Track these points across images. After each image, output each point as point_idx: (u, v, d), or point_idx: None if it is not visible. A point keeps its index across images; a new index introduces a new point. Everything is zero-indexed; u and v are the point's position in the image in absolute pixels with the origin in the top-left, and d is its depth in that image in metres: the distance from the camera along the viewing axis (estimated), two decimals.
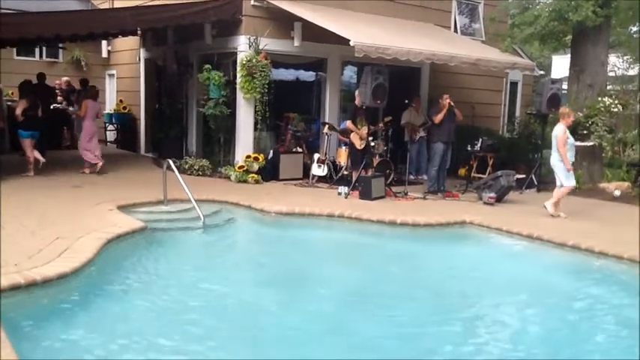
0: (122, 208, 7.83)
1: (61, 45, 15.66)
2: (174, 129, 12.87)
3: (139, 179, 10.40)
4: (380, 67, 10.07)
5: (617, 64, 19.02)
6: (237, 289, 5.91)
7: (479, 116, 12.35)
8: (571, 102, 11.95)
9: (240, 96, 11.01)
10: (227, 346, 4.61)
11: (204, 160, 11.44)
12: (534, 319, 5.62)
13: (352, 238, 7.86)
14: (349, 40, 9.37)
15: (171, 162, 8.15)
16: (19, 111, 10.34)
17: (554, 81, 11.59)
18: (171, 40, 12.37)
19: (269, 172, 10.99)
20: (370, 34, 10.32)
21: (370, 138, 10.50)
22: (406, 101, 11.74)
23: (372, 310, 5.48)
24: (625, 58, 19.18)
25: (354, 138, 10.46)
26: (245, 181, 10.58)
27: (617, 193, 10.52)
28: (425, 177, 11.59)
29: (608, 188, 10.62)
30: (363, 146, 10.40)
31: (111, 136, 16.50)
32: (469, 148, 11.96)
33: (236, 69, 11.05)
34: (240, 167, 10.78)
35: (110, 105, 16.86)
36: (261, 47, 10.76)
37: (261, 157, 10.95)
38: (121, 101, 15.96)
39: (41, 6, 11.31)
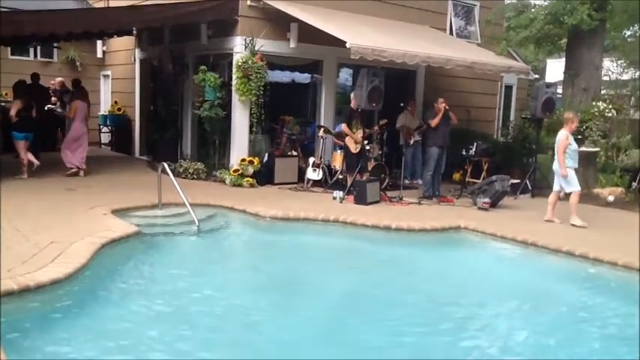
0: (116, 212, 7.80)
1: (55, 44, 15.57)
2: (169, 131, 12.82)
3: (133, 183, 10.36)
4: (376, 69, 10.06)
5: (610, 68, 19.11)
6: (232, 295, 5.90)
7: (474, 120, 12.37)
8: (566, 106, 12.00)
9: (235, 98, 10.98)
10: (222, 350, 4.60)
11: (199, 163, 11.39)
12: (528, 325, 5.61)
13: (347, 243, 7.85)
14: (345, 42, 9.36)
15: (165, 165, 8.13)
16: (13, 112, 10.28)
17: (548, 85, 11.61)
18: (166, 40, 12.32)
19: (264, 176, 10.96)
20: (366, 36, 10.32)
21: (365, 141, 10.49)
22: (402, 104, 11.75)
23: (367, 316, 5.48)
24: (619, 62, 19.27)
25: (349, 142, 10.45)
26: (240, 185, 10.55)
27: (611, 198, 10.55)
28: (420, 181, 11.59)
29: (602, 194, 10.65)
30: (357, 150, 10.39)
31: (105, 138, 16.43)
32: (464, 153, 11.98)
33: (232, 70, 11.01)
34: (235, 171, 10.75)
35: (105, 106, 16.79)
36: (257, 48, 10.73)
37: (256, 160, 10.92)
38: (115, 102, 15.89)
39: (37, 4, 11.22)
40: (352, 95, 10.49)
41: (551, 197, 8.99)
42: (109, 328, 4.79)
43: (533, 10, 13.53)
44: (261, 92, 10.68)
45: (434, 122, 10.41)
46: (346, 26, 10.75)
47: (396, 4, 12.83)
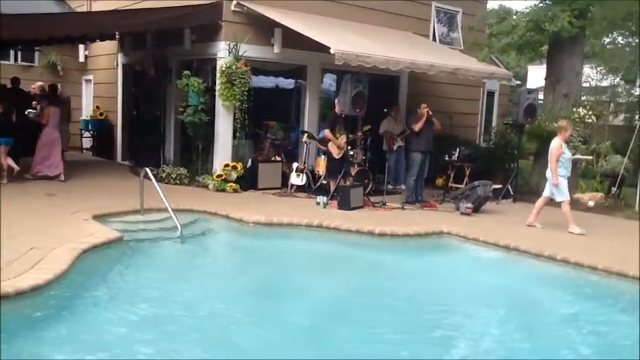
0: (98, 217, 7.73)
1: (37, 48, 15.43)
2: (151, 136, 12.74)
3: (115, 188, 10.26)
4: (359, 75, 10.11)
5: (590, 74, 19.37)
6: (214, 300, 5.85)
7: (456, 126, 12.46)
8: (547, 112, 12.13)
9: (219, 103, 10.95)
10: (202, 356, 4.57)
11: (181, 168, 11.32)
12: (509, 329, 5.64)
13: (331, 248, 7.85)
14: (329, 48, 9.39)
15: (148, 170, 8.07)
16: None
17: (530, 91, 11.75)
18: (149, 45, 12.27)
19: (247, 181, 10.93)
20: (350, 42, 10.35)
21: (349, 147, 10.51)
22: (385, 110, 11.80)
23: (350, 321, 5.48)
24: (599, 69, 19.55)
25: (332, 147, 10.46)
26: (223, 190, 10.51)
27: (591, 203, 10.67)
28: (403, 187, 11.64)
29: (582, 199, 10.76)
30: (340, 155, 10.41)
31: (87, 143, 16.28)
32: (447, 158, 12.06)
33: (215, 75, 10.98)
34: (218, 176, 10.71)
35: (86, 111, 16.65)
36: (240, 54, 10.72)
37: (239, 165, 10.89)
38: (97, 107, 15.76)
39: (17, 7, 11.10)
40: (336, 101, 10.52)
41: (539, 202, 9.04)
42: (90, 335, 4.73)
43: (514, 17, 13.73)
44: (245, 97, 10.66)
45: (417, 127, 10.47)
46: (330, 32, 10.78)
47: (379, 10, 12.90)
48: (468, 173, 11.94)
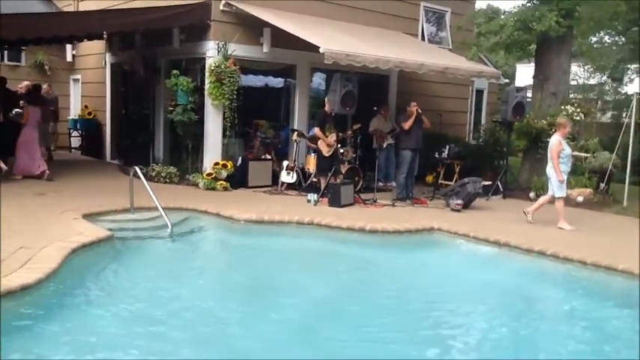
0: (87, 216, 7.68)
1: (23, 48, 15.31)
2: (140, 135, 12.68)
3: (104, 187, 10.21)
4: (349, 74, 10.12)
5: (578, 73, 19.55)
6: (205, 299, 5.84)
7: (446, 124, 12.54)
8: (535, 110, 12.22)
9: (208, 102, 10.92)
10: (194, 355, 4.55)
11: (171, 167, 11.29)
12: (501, 324, 5.66)
13: (322, 245, 7.85)
14: (318, 47, 9.40)
15: (137, 169, 8.03)
16: None
17: (519, 89, 11.82)
18: (138, 44, 12.21)
19: (238, 180, 10.91)
20: (339, 41, 10.37)
21: (339, 145, 10.53)
22: (375, 108, 11.82)
23: (341, 318, 5.48)
24: (586, 67, 19.73)
25: (321, 145, 10.47)
26: (213, 189, 10.49)
27: (580, 199, 10.75)
28: (393, 184, 11.67)
29: (571, 195, 10.82)
30: (330, 153, 10.42)
31: (75, 142, 16.19)
32: (436, 156, 12.11)
33: (204, 75, 10.96)
34: (208, 174, 10.69)
35: (75, 110, 16.55)
36: (229, 53, 10.70)
37: (229, 164, 10.87)
38: (86, 107, 15.67)
39: (3, 6, 11.00)
40: (326, 99, 10.53)
41: (545, 198, 9.04)
42: (80, 334, 4.69)
43: (502, 16, 13.80)
44: (235, 96, 10.64)
45: (407, 125, 10.50)
46: (319, 31, 10.80)
47: (368, 10, 12.92)
48: (457, 170, 12.00)
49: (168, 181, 10.97)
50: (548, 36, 11.71)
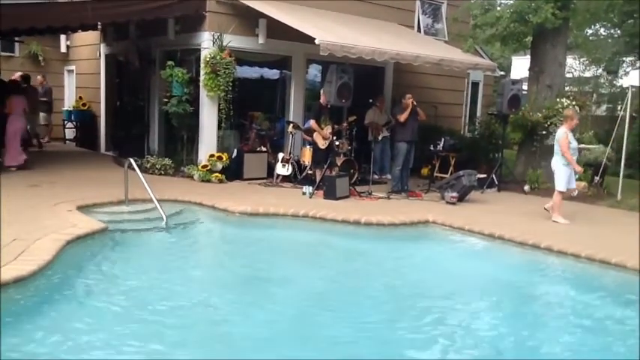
0: (82, 208, 7.65)
1: (17, 39, 15.19)
2: (135, 127, 12.64)
3: (99, 178, 10.17)
4: (344, 65, 10.09)
5: (573, 65, 19.55)
6: (200, 290, 5.85)
7: (441, 116, 12.52)
8: (531, 102, 12.22)
9: (203, 94, 10.88)
10: (190, 347, 4.55)
11: (166, 159, 11.26)
12: (495, 318, 5.69)
13: (317, 237, 7.85)
14: (314, 38, 9.36)
15: (132, 161, 8.00)
16: None
17: (514, 82, 11.81)
18: (133, 35, 12.15)
19: (233, 172, 10.89)
20: (335, 33, 10.33)
21: (334, 137, 10.52)
22: (370, 100, 11.81)
23: (337, 311, 5.48)
24: (581, 60, 19.74)
25: (317, 137, 10.46)
26: (208, 181, 10.47)
27: (575, 192, 10.77)
28: (389, 176, 11.67)
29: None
30: (325, 146, 10.41)
31: (70, 133, 16.12)
32: (432, 148, 12.12)
33: (199, 66, 10.91)
34: (203, 166, 10.67)
35: (69, 102, 16.47)
36: (225, 44, 10.65)
37: (224, 156, 10.85)
38: (80, 98, 15.59)
39: None
40: (322, 91, 10.50)
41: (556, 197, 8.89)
42: (74, 326, 4.68)
43: (498, 8, 13.79)
44: (230, 88, 10.61)
45: (402, 117, 10.49)
46: (315, 23, 10.75)
47: (364, 1, 12.88)
48: (452, 163, 12.02)
49: (163, 172, 10.95)
50: (544, 28, 11.71)
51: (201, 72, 10.75)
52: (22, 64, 15.78)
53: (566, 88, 14.31)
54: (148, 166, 10.90)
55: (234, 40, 10.81)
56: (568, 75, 17.01)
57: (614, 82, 20.49)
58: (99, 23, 12.78)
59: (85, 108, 15.30)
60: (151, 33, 11.79)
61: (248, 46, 11.18)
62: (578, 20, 12.89)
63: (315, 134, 10.46)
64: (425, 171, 12.65)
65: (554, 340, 5.09)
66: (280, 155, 11.04)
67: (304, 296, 5.83)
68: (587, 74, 20.50)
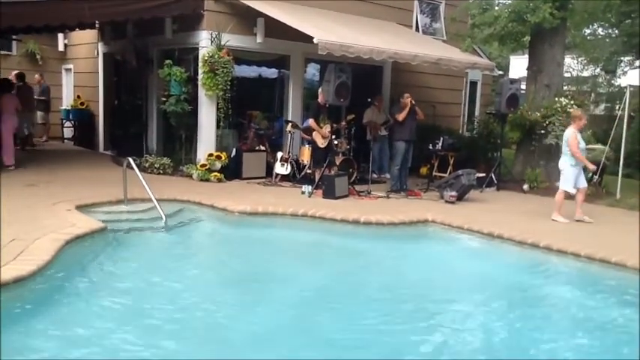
0: (80, 207, 7.63)
1: (14, 37, 15.14)
2: (133, 126, 12.61)
3: (97, 178, 10.14)
4: (343, 65, 10.08)
5: (572, 65, 19.56)
6: (200, 290, 5.83)
7: (439, 115, 12.53)
8: (529, 102, 12.23)
9: (202, 93, 10.86)
10: (190, 347, 4.54)
11: (165, 158, 11.24)
12: (495, 317, 5.69)
13: (316, 237, 7.85)
14: (312, 38, 9.35)
15: (131, 160, 7.98)
16: None
17: (512, 81, 11.82)
18: (130, 34, 12.11)
19: (232, 171, 10.88)
20: (333, 32, 10.32)
21: (333, 136, 10.51)
22: (368, 99, 11.80)
23: (336, 310, 5.48)
24: (579, 59, 19.75)
25: (316, 137, 10.46)
26: (207, 180, 10.45)
27: (573, 191, 10.76)
28: (387, 176, 11.67)
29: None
30: (325, 145, 10.41)
31: (68, 132, 16.08)
32: (430, 147, 12.12)
33: (198, 65, 10.89)
34: (202, 165, 10.65)
35: (67, 101, 16.42)
36: (223, 43, 10.63)
37: (223, 155, 10.83)
38: (78, 97, 15.55)
39: None
40: (320, 90, 10.49)
41: (577, 197, 8.82)
42: (73, 326, 4.67)
43: (497, 8, 13.75)
44: (228, 87, 10.59)
45: (401, 116, 10.49)
46: (313, 22, 10.74)
47: (363, 0, 12.86)
48: (451, 162, 12.02)
49: (161, 172, 10.93)
50: (542, 28, 11.71)
51: (200, 71, 10.74)
52: (19, 62, 15.73)
53: (565, 88, 14.30)
54: (147, 165, 10.88)
55: (233, 39, 10.79)
56: (566, 74, 17.03)
57: (612, 81, 20.52)
58: (96, 22, 12.74)
59: (83, 107, 15.27)
60: (149, 32, 11.76)
61: (246, 45, 11.16)
62: (576, 20, 12.89)
63: (314, 133, 10.45)
64: (424, 170, 12.65)
65: (554, 340, 5.09)
66: (279, 154, 11.03)
67: (304, 296, 5.82)
68: (585, 74, 20.53)
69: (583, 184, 8.84)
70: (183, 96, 10.86)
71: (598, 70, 20.57)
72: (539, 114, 11.82)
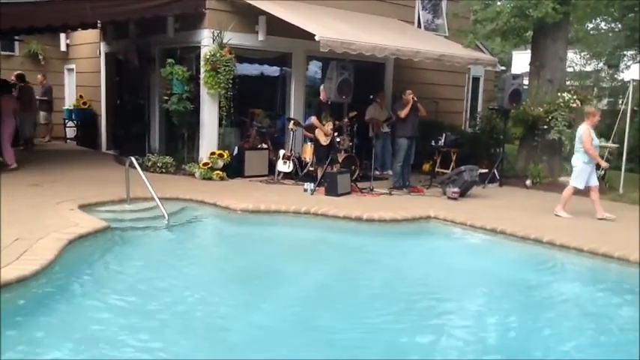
0: (83, 207, 7.65)
1: (17, 37, 15.18)
2: (136, 125, 12.64)
3: (100, 177, 10.17)
4: (345, 62, 10.07)
5: (574, 59, 19.48)
6: (202, 289, 5.83)
7: (442, 111, 12.50)
8: (532, 97, 12.20)
9: (204, 91, 10.87)
10: (191, 345, 4.55)
11: (167, 157, 11.25)
12: (499, 313, 5.69)
13: (319, 234, 7.84)
14: (314, 35, 9.34)
15: (133, 159, 7.99)
16: None
17: (515, 76, 11.80)
18: (132, 33, 12.12)
19: (234, 169, 10.89)
20: (335, 29, 10.31)
21: (335, 133, 10.51)
22: (371, 96, 11.79)
23: (339, 307, 5.48)
24: (582, 54, 19.67)
25: (319, 134, 10.46)
26: (210, 178, 10.47)
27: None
28: (390, 172, 11.67)
29: (568, 182, 10.83)
30: (327, 142, 10.41)
31: (70, 132, 16.12)
32: (433, 144, 12.11)
33: (200, 63, 10.89)
34: (204, 164, 10.66)
35: (69, 101, 16.46)
36: (225, 41, 10.63)
37: (225, 153, 10.84)
38: (80, 96, 15.58)
39: None
40: (322, 88, 10.49)
41: (592, 196, 8.72)
42: (76, 326, 4.69)
43: (499, 3, 13.74)
44: (230, 85, 10.60)
45: (403, 113, 10.48)
46: (315, 19, 10.73)
47: None
48: (454, 158, 12.02)
49: (164, 171, 10.94)
50: (545, 23, 11.68)
51: (202, 69, 10.74)
52: (22, 63, 15.77)
53: (567, 83, 14.27)
54: (149, 164, 10.89)
55: (234, 38, 10.79)
56: (569, 69, 16.97)
57: (615, 76, 20.41)
58: (98, 22, 12.76)
59: (86, 107, 15.30)
60: (151, 31, 11.77)
61: (248, 43, 11.17)
62: (579, 15, 12.87)
63: (316, 131, 10.46)
64: (426, 166, 12.64)
65: (558, 335, 5.09)
66: (281, 152, 11.02)
67: (306, 293, 5.82)
68: (588, 68, 20.43)
69: (595, 182, 8.72)
70: (185, 95, 10.87)
71: (601, 64, 20.46)
72: (541, 109, 11.80)
